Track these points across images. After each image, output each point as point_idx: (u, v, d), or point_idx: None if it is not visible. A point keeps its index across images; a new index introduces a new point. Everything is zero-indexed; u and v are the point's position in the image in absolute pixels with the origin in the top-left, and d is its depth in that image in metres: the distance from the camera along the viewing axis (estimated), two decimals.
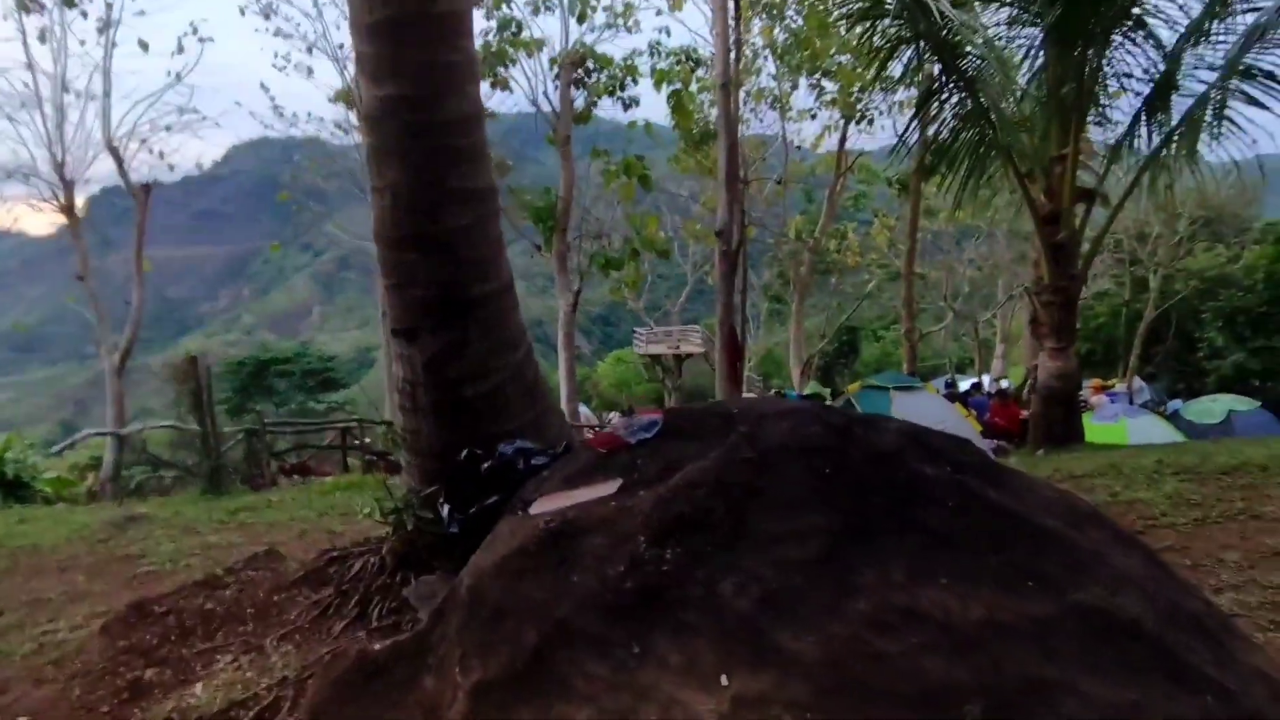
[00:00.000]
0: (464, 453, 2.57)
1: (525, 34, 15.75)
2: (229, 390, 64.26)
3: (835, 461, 1.69)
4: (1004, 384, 18.33)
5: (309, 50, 18.59)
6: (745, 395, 15.49)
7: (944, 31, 7.90)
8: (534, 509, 1.87)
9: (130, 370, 17.29)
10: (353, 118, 19.14)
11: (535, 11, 16.50)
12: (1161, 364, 22.76)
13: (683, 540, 1.63)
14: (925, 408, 10.35)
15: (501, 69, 16.64)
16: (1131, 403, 17.23)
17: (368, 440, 12.80)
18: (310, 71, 19.25)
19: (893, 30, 8.86)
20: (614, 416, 28.33)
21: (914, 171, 14.23)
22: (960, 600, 1.38)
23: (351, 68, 17.55)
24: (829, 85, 16.67)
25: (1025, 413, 14.09)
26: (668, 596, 1.56)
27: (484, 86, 17.27)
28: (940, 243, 24.71)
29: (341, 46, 17.94)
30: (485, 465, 2.46)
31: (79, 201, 17.27)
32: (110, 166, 16.73)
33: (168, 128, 17.10)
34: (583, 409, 45.34)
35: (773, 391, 19.38)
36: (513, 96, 16.67)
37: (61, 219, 17.00)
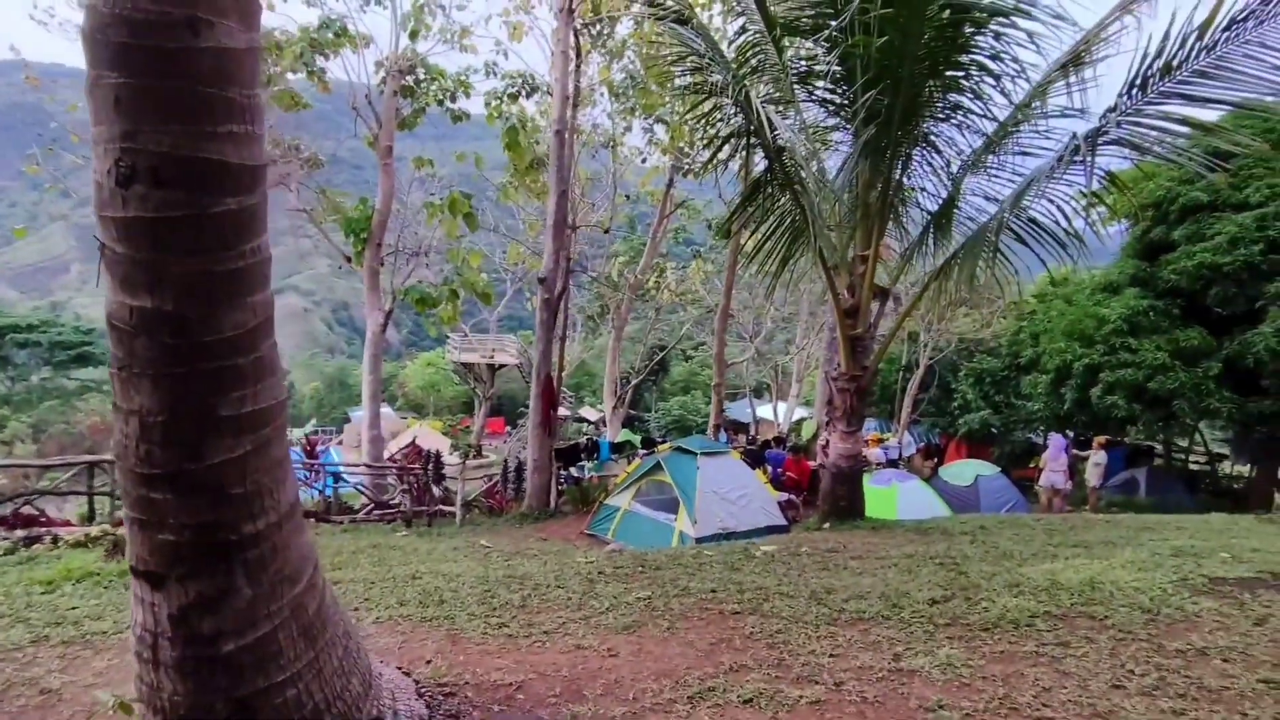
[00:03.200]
0: None
1: (351, 29, 14.42)
2: None
3: None
4: (794, 439, 19.73)
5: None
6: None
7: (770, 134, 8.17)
8: None
9: None
10: None
11: (364, 4, 15.22)
12: (925, 412, 25.74)
13: None
14: (729, 473, 10.69)
15: (319, 58, 15.14)
16: (901, 455, 19.39)
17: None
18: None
19: (730, 112, 9.10)
20: (417, 432, 26.95)
21: (730, 253, 14.80)
22: None
23: None
24: (660, 131, 16.98)
25: (813, 464, 15.27)
26: None
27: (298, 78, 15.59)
28: (749, 283, 26.15)
29: None
30: None
31: None
32: None
33: None
34: (386, 409, 43.11)
35: (585, 439, 19.38)
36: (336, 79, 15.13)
37: None
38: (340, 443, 34.78)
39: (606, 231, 19.23)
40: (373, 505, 12.67)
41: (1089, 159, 7.09)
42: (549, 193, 11.87)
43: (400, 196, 16.44)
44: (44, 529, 8.74)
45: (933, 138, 9.07)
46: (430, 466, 11.96)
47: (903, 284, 16.44)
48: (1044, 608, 4.73)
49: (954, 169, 9.26)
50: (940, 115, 8.85)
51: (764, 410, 33.39)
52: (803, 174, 8.85)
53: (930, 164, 9.25)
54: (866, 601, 5.06)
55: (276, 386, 2.35)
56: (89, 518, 10.14)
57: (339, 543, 8.54)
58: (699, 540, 9.34)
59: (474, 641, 4.52)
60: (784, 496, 12.85)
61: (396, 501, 13.25)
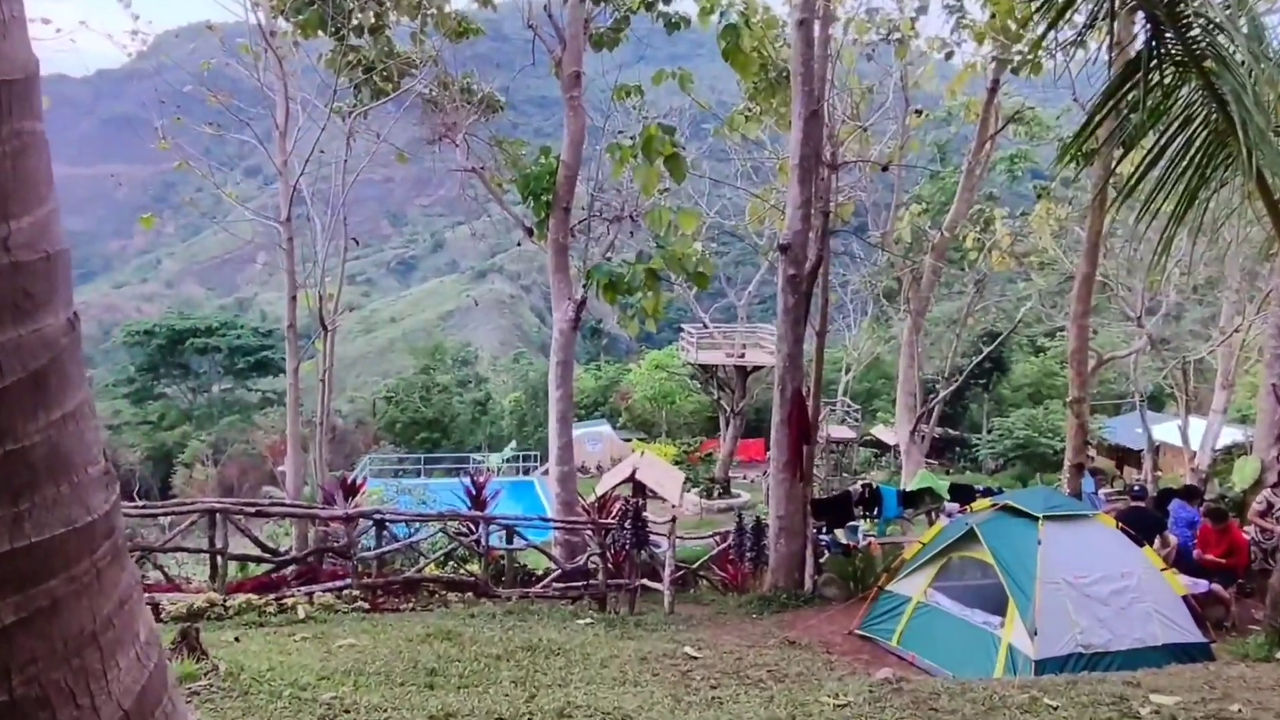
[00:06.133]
0: None
1: None
2: (133, 369, 64.62)
3: None
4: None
5: None
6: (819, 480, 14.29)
7: None
8: None
9: None
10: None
11: None
12: None
13: None
14: (1096, 550, 9.08)
15: None
16: None
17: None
18: None
19: None
20: (638, 462, 27.33)
21: (1095, 188, 12.63)
22: None
23: None
24: (973, 6, 15.21)
25: (1249, 532, 12.70)
26: None
27: None
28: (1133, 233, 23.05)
29: None
30: None
31: None
32: None
33: None
34: (605, 429, 44.72)
35: (860, 484, 18.17)
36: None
37: None
38: (546, 472, 36.54)
39: (885, 169, 17.59)
40: (557, 573, 12.62)
41: None
42: (793, 116, 10.88)
43: (596, 144, 16.42)
44: (149, 594, 9.54)
45: None
46: (629, 524, 11.60)
47: None
48: None
49: None
50: None
51: (1166, 431, 29.28)
52: (1221, 41, 7.17)
53: None
54: None
55: (75, 500, 1.73)
56: (213, 578, 11.05)
57: (489, 634, 8.35)
58: (1041, 665, 8.01)
59: None
60: (1200, 585, 10.78)
61: (594, 568, 13.15)
